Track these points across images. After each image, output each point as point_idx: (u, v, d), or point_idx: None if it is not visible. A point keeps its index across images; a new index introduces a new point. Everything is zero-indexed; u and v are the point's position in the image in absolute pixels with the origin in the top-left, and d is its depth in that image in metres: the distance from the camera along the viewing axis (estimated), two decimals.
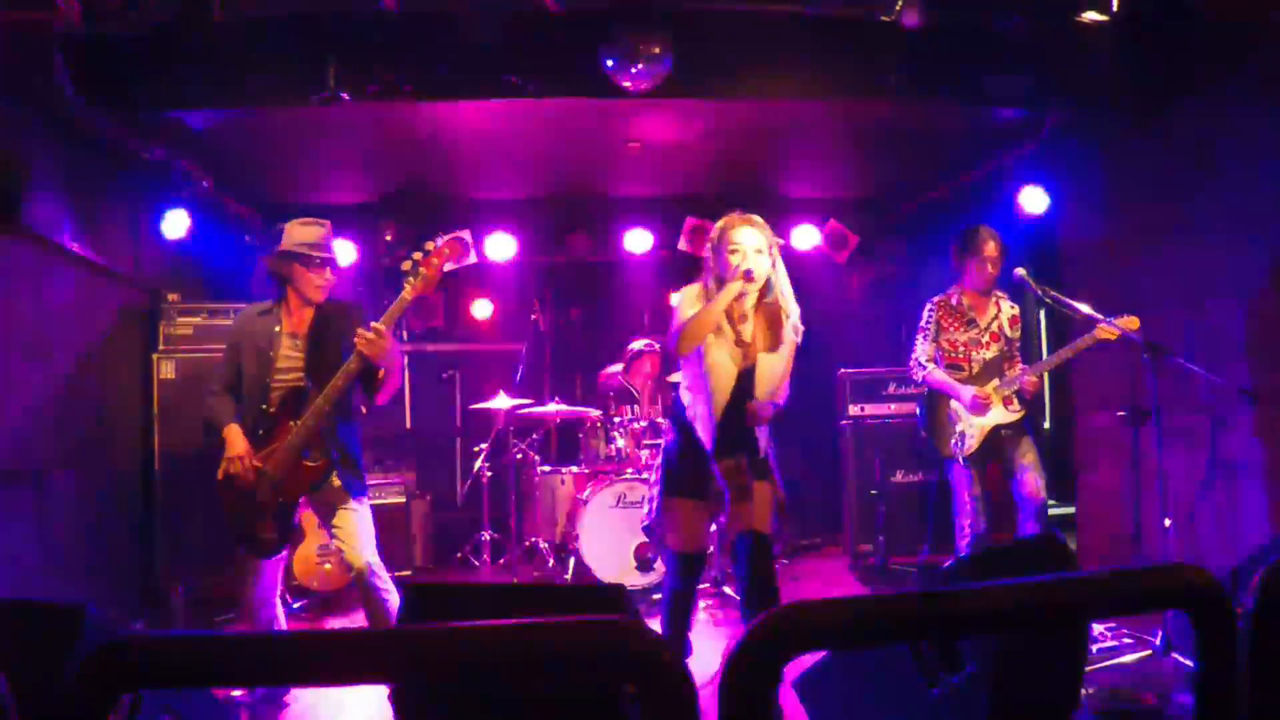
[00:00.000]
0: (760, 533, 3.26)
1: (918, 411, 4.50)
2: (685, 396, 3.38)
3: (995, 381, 4.21)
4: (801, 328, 3.34)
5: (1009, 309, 4.32)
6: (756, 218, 3.28)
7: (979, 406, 4.13)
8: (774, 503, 3.32)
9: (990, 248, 4.23)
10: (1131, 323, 3.87)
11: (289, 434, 3.37)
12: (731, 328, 3.24)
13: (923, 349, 4.33)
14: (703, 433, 3.24)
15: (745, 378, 3.23)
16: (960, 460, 4.18)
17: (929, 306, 4.38)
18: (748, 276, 3.14)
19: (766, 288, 3.27)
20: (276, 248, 3.54)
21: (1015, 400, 4.18)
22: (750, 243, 3.21)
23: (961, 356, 4.27)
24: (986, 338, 4.26)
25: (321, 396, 3.35)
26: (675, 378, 5.68)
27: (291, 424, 3.38)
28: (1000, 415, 4.16)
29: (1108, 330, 3.86)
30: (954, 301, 4.33)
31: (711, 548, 5.12)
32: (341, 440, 3.47)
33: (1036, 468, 4.10)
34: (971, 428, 4.17)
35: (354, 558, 3.41)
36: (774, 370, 3.26)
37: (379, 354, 3.30)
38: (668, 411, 3.56)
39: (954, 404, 4.24)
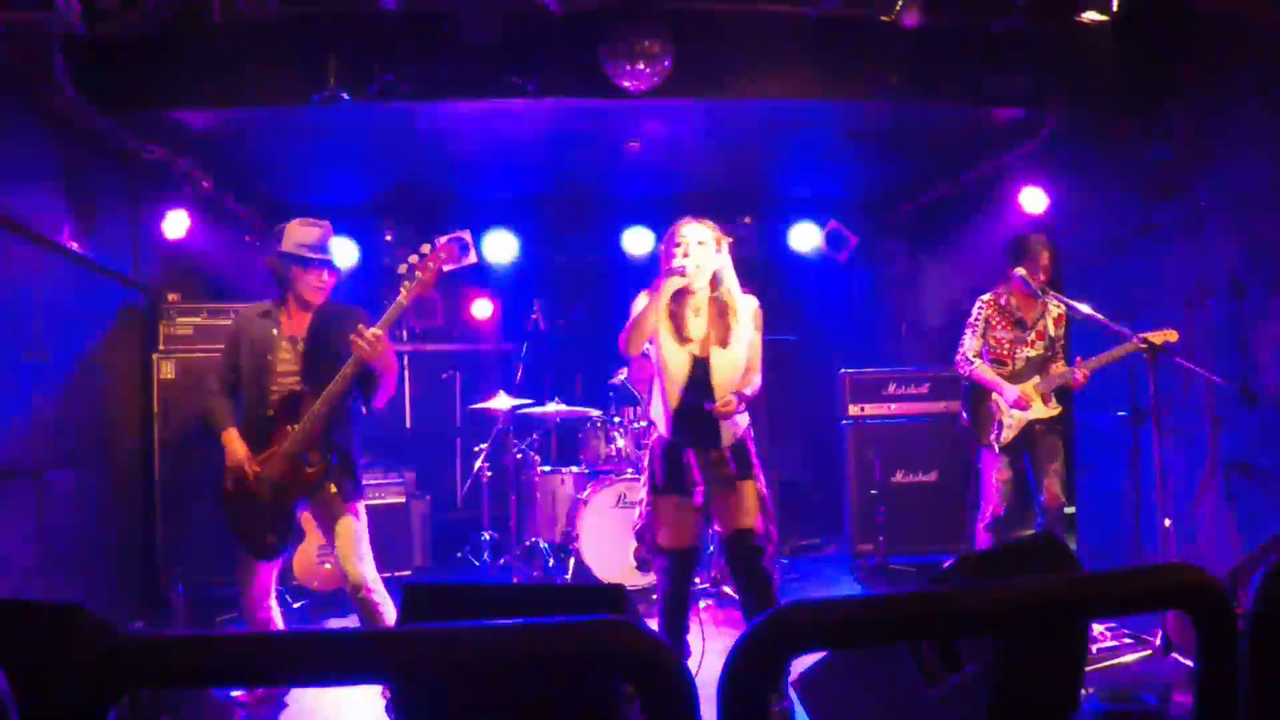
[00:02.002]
0: (747, 531, 3.29)
1: (961, 401, 4.68)
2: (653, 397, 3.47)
3: (1036, 379, 4.36)
4: (756, 311, 3.39)
5: (1055, 309, 4.40)
6: (706, 220, 3.37)
7: (1021, 404, 4.31)
8: (758, 499, 3.36)
9: (1045, 258, 4.36)
10: (1170, 335, 3.93)
11: (287, 438, 3.37)
12: (678, 324, 3.31)
13: (970, 344, 4.49)
14: (663, 427, 3.35)
15: (696, 372, 3.29)
16: (995, 448, 4.36)
17: (979, 304, 4.52)
18: (679, 272, 3.22)
19: (715, 282, 3.34)
20: (277, 248, 3.54)
21: (1054, 397, 4.34)
22: (693, 236, 3.29)
23: (1006, 353, 4.43)
24: (1032, 336, 4.40)
25: (319, 400, 3.34)
26: None
27: (289, 428, 3.37)
28: (1038, 410, 4.32)
29: (1148, 340, 3.88)
30: (1003, 301, 4.47)
31: (712, 548, 5.12)
32: (339, 444, 3.46)
33: (1060, 477, 4.29)
34: (1011, 419, 4.34)
35: (350, 570, 3.41)
36: (731, 363, 3.30)
37: (376, 358, 3.30)
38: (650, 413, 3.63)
39: (995, 396, 4.40)
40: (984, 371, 4.42)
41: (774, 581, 3.36)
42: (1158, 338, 3.89)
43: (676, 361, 3.30)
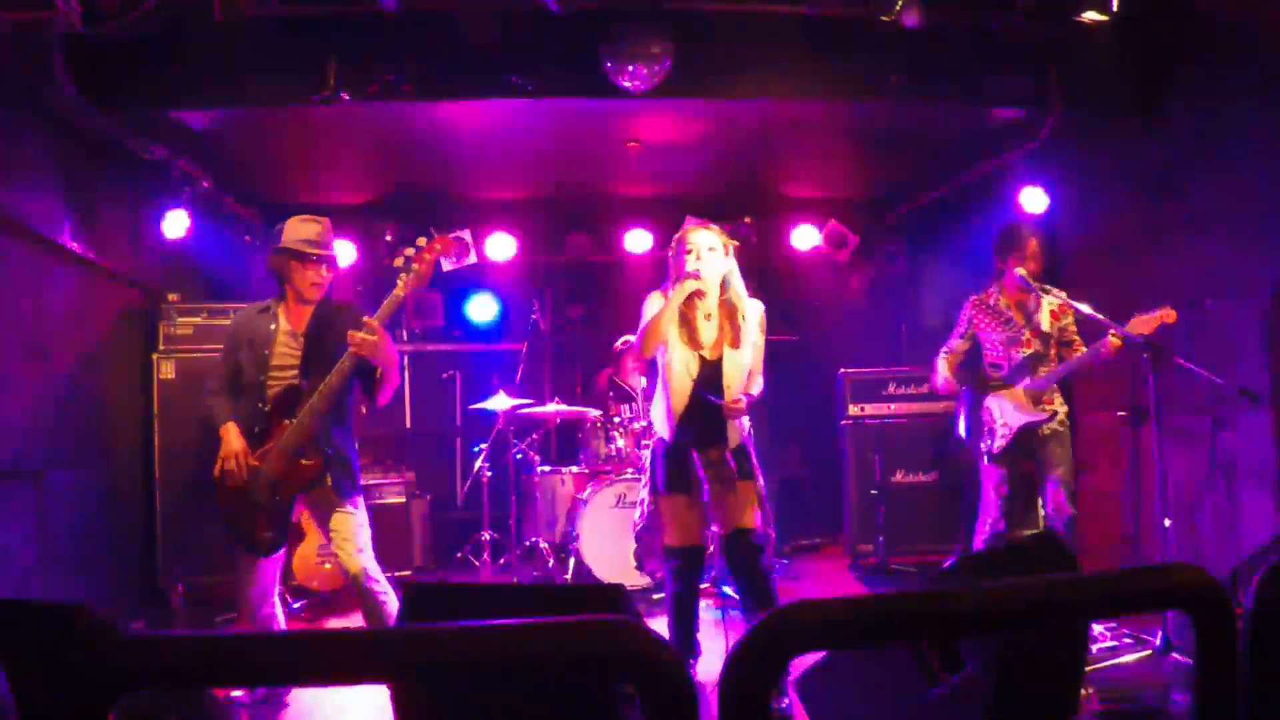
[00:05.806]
0: (746, 530, 3.33)
1: (957, 409, 4.42)
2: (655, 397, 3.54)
3: (1027, 380, 4.11)
4: (761, 316, 3.47)
5: (1051, 302, 4.12)
6: (713, 224, 3.48)
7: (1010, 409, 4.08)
8: (757, 499, 3.40)
9: (1032, 245, 4.11)
10: (1170, 315, 3.68)
11: (284, 432, 3.36)
12: (689, 328, 3.38)
13: (949, 343, 4.28)
14: (664, 428, 3.42)
15: (708, 373, 3.36)
16: (986, 459, 4.14)
17: (965, 304, 4.32)
18: (694, 276, 3.31)
19: (724, 286, 3.42)
20: (276, 244, 3.54)
21: (1054, 398, 4.10)
22: (703, 242, 3.37)
23: (1000, 355, 4.19)
24: (1027, 334, 4.14)
25: (316, 395, 3.33)
26: None
27: (287, 423, 3.36)
28: (1030, 414, 4.07)
29: (1141, 325, 3.70)
30: (991, 301, 4.24)
31: (711, 548, 5.12)
32: (336, 441, 3.45)
33: (1065, 482, 4.02)
34: (1004, 427, 4.11)
35: (348, 562, 3.39)
36: (740, 364, 3.38)
37: (373, 352, 3.29)
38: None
39: (989, 401, 4.18)
40: (940, 365, 4.24)
41: (773, 581, 3.39)
42: (1145, 324, 3.66)
43: (686, 364, 3.36)
